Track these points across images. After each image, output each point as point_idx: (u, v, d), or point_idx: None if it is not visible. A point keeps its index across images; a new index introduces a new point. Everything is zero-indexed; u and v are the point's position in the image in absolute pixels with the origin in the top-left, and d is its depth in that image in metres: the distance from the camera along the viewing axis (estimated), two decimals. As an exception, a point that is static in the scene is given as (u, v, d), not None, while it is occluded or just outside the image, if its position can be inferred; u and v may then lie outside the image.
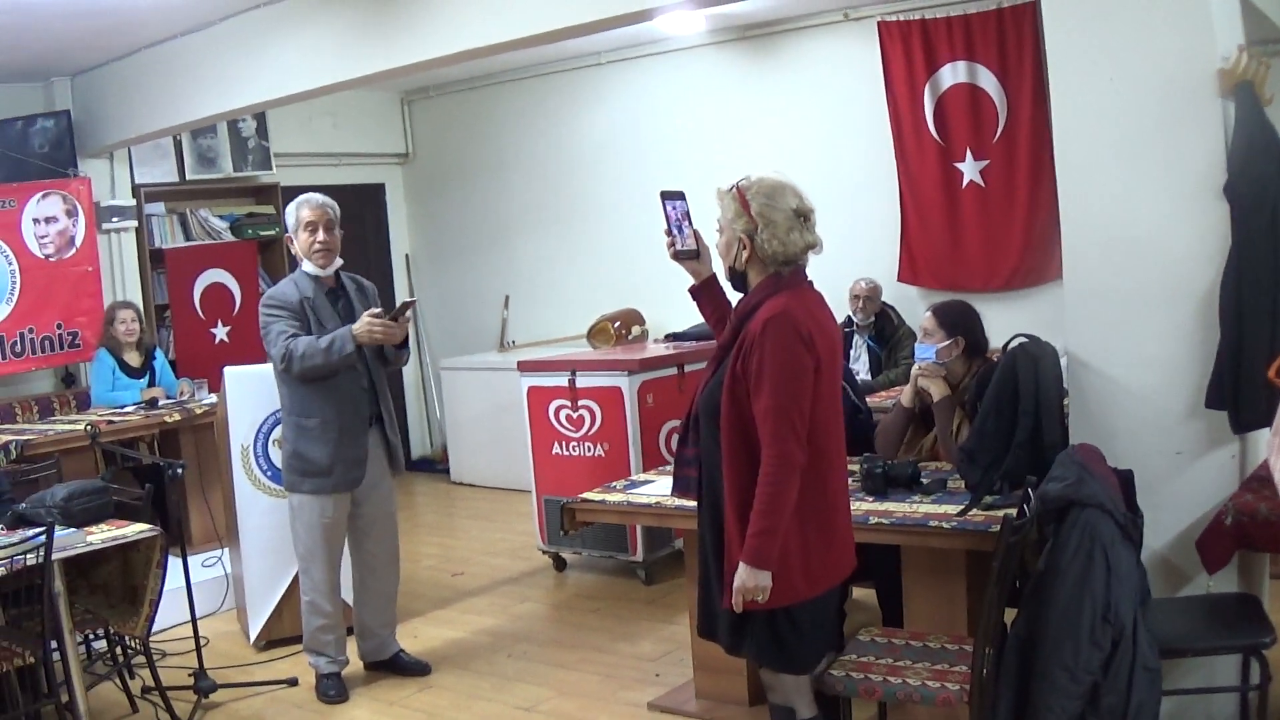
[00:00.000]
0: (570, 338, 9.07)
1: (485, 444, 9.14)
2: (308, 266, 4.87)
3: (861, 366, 7.34)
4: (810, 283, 3.39)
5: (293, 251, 4.92)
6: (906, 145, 7.57)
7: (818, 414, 3.23)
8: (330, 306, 4.84)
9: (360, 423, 4.82)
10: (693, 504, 3.55)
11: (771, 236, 3.28)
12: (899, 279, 7.72)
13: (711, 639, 3.53)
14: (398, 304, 4.74)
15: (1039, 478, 3.42)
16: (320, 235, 4.82)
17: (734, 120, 8.35)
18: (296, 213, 4.85)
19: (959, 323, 4.53)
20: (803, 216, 3.32)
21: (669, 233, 3.48)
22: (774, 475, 3.16)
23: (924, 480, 4.18)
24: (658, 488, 4.60)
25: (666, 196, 3.48)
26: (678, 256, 3.51)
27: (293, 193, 5.23)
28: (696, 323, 7.56)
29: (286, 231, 4.92)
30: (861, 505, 3.96)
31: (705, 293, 3.60)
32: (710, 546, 3.42)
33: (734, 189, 3.33)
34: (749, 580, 3.18)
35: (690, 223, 3.54)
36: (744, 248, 3.30)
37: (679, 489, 3.55)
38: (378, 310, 4.72)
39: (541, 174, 9.55)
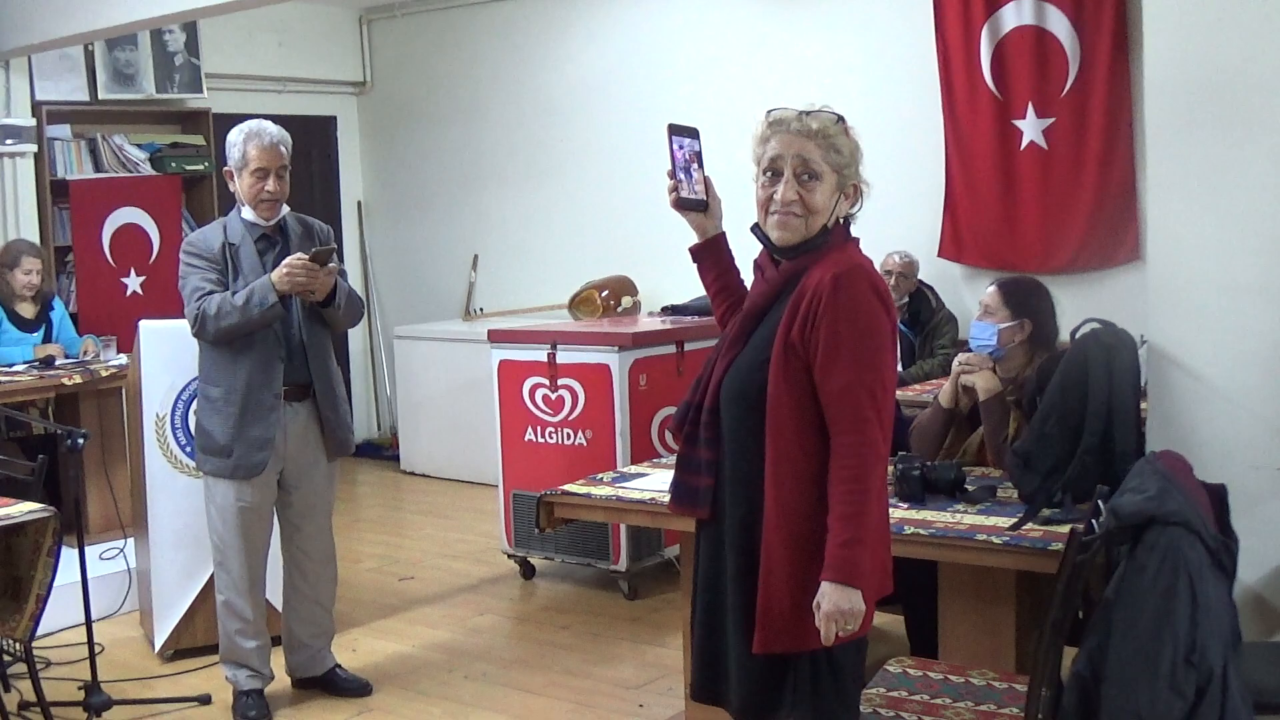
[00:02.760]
0: (548, 307, 9.04)
1: (443, 428, 9.12)
2: (247, 213, 4.82)
3: (892, 355, 7.29)
4: (857, 239, 3.30)
5: (231, 189, 4.86)
6: (957, 97, 7.51)
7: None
8: (256, 255, 4.79)
9: (270, 396, 4.77)
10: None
11: (865, 181, 3.20)
12: (940, 254, 7.69)
13: (714, 703, 3.33)
14: (313, 250, 4.68)
15: (1110, 488, 3.35)
16: (269, 184, 4.76)
17: (753, 61, 8.28)
18: (244, 148, 4.77)
19: (1028, 303, 4.48)
20: None
21: (673, 175, 3.33)
22: (860, 468, 2.98)
23: (969, 487, 4.12)
24: (652, 482, 4.55)
25: (675, 132, 3.33)
26: (680, 205, 3.35)
27: (226, 121, 5.16)
28: (698, 295, 7.50)
29: (226, 164, 4.85)
30: (895, 513, 3.88)
31: (709, 254, 3.45)
32: (733, 572, 3.19)
33: (842, 121, 3.16)
34: (842, 602, 2.95)
35: (701, 166, 3.41)
36: (848, 197, 3.17)
37: (682, 502, 3.32)
38: (301, 254, 4.66)
39: (523, 114, 9.48)
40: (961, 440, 4.64)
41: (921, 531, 3.75)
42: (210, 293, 4.67)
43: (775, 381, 3.06)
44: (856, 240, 3.22)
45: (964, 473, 4.19)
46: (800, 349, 3.04)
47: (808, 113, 3.15)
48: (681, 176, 3.33)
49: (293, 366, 4.82)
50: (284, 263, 4.63)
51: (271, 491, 4.90)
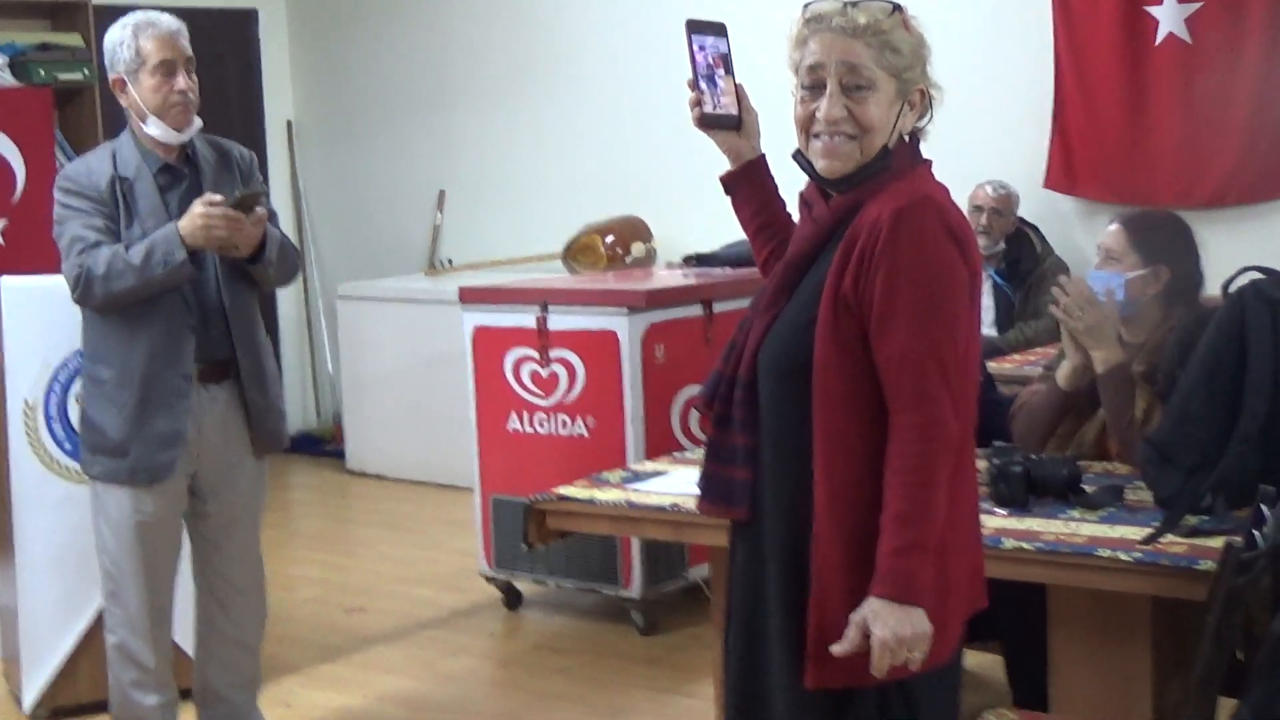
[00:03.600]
0: (537, 258, 9.08)
1: (401, 415, 9.18)
2: (153, 128, 4.75)
3: (985, 315, 7.27)
4: (930, 162, 3.28)
5: (124, 103, 4.81)
6: (1069, -24, 7.50)
7: (965, 363, 3.10)
8: (157, 193, 4.74)
9: (178, 378, 4.73)
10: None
11: (935, 83, 3.18)
12: (1046, 185, 7.72)
13: None
14: (237, 194, 4.64)
15: (1277, 489, 3.34)
16: (180, 80, 4.72)
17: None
18: (135, 43, 4.73)
19: (1164, 245, 4.45)
20: None
21: (695, 86, 3.36)
22: (924, 455, 2.99)
23: (1087, 488, 4.11)
24: (673, 481, 4.54)
25: (695, 29, 3.37)
26: (706, 123, 3.39)
27: (110, 15, 5.11)
28: (730, 240, 7.51)
29: (115, 71, 4.78)
30: (990, 521, 3.87)
31: (746, 183, 3.48)
32: (777, 587, 3.23)
33: (897, 10, 3.14)
34: (900, 626, 2.96)
35: (730, 73, 3.43)
36: (913, 106, 3.16)
37: (714, 500, 3.37)
38: (217, 198, 4.62)
39: (497, 10, 9.53)
40: (1076, 426, 4.62)
41: (1025, 546, 3.72)
42: (96, 244, 4.62)
43: (823, 346, 3.08)
44: (928, 164, 3.22)
45: (1080, 468, 4.16)
46: (853, 304, 3.06)
47: (854, 3, 3.13)
48: (704, 86, 3.37)
49: (209, 339, 4.78)
50: (195, 207, 4.57)
51: (181, 500, 4.87)
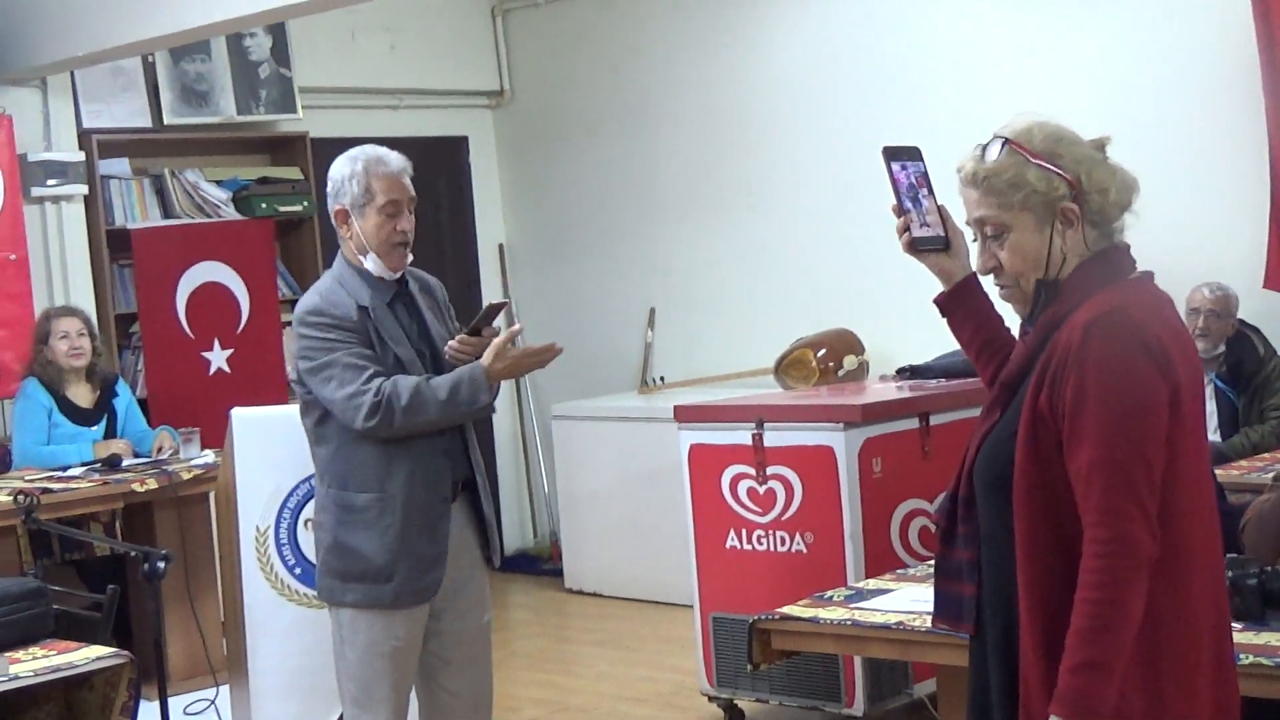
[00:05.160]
0: (749, 373, 9.06)
1: (619, 533, 9.17)
2: (371, 264, 4.84)
3: (1207, 420, 7.14)
4: (1149, 274, 3.24)
5: (344, 235, 4.89)
6: (1283, 71, 7.40)
7: (1175, 479, 3.04)
8: (395, 321, 4.84)
9: (440, 502, 4.80)
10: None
11: (1102, 186, 3.13)
12: (1266, 285, 7.54)
13: None
14: (483, 308, 4.76)
15: None
16: (403, 221, 4.83)
17: (1003, 48, 8.29)
18: (366, 180, 4.81)
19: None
20: (1102, 149, 3.21)
21: (900, 210, 3.38)
22: (1109, 572, 2.96)
23: (1328, 600, 4.01)
24: (897, 599, 4.51)
25: (893, 156, 3.39)
26: (915, 247, 3.40)
27: (328, 148, 5.22)
28: (945, 350, 7.45)
29: (339, 202, 4.85)
30: (1227, 636, 3.80)
31: (961, 304, 3.47)
32: (999, 701, 3.23)
33: (1005, 145, 3.16)
34: None
35: (932, 194, 3.43)
36: (1069, 223, 3.13)
37: (945, 615, 3.39)
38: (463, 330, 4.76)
39: (710, 127, 9.56)
40: (1315, 535, 4.51)
41: (1264, 661, 3.65)
42: (377, 373, 4.70)
43: (1022, 460, 3.09)
44: (1144, 276, 3.19)
45: (1321, 580, 4.07)
46: (1048, 418, 3.06)
47: (983, 144, 3.19)
48: (910, 208, 3.38)
49: (450, 457, 4.88)
50: (494, 358, 4.70)
51: (423, 622, 4.89)
